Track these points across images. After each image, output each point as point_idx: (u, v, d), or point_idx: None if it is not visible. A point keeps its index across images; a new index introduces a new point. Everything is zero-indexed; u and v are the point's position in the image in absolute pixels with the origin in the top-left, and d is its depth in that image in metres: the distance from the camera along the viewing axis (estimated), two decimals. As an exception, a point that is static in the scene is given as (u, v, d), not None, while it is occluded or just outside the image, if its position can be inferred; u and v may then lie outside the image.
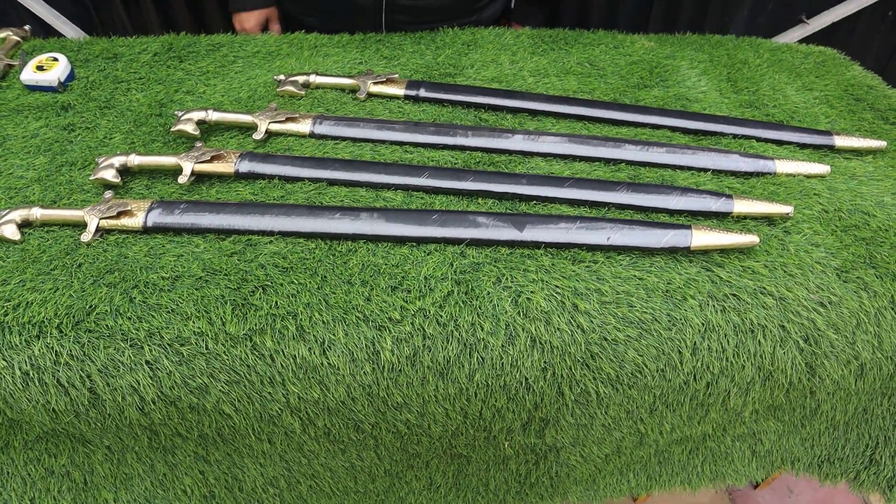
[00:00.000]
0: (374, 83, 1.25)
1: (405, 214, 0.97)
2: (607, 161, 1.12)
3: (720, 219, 1.03)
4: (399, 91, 1.24)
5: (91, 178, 1.06)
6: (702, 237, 0.95)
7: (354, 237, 0.96)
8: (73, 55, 1.38)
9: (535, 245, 0.96)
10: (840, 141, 1.17)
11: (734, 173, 1.11)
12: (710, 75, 1.36)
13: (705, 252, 0.97)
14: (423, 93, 1.23)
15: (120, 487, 1.10)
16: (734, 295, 0.95)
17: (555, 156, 1.12)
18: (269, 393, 0.91)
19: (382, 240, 0.96)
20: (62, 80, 1.29)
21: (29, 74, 1.29)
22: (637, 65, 1.37)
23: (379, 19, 1.48)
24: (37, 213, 1.00)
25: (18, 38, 1.43)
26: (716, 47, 1.45)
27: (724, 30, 2.07)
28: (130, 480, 1.09)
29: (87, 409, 0.92)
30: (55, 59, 1.31)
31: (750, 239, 0.95)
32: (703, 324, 0.93)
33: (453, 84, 1.27)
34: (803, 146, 1.18)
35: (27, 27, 1.47)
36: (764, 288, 0.95)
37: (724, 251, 0.98)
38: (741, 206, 1.02)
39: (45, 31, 2.00)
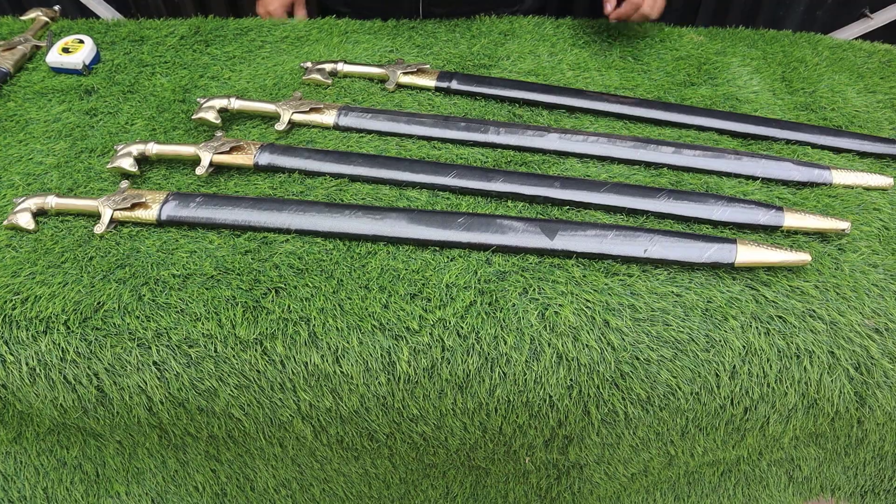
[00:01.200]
0: (405, 73, 1.19)
1: (429, 216, 0.92)
2: (647, 164, 1.04)
3: (769, 233, 0.95)
4: (430, 83, 1.19)
5: (108, 166, 1.03)
6: (747, 253, 0.88)
7: (374, 238, 0.91)
8: (99, 37, 1.35)
9: (567, 255, 0.89)
10: (905, 150, 1.08)
11: (786, 182, 1.03)
12: (763, 74, 1.27)
13: (750, 269, 0.90)
14: (455, 85, 1.17)
15: (132, 481, 1.08)
16: (780, 317, 0.87)
17: (591, 157, 1.05)
18: (280, 399, 0.88)
19: (403, 242, 0.91)
20: (87, 63, 1.26)
21: (54, 57, 1.26)
22: (684, 60, 1.29)
23: (415, 8, 1.41)
24: (52, 201, 0.97)
25: (47, 19, 1.40)
26: (770, 43, 1.36)
27: (779, 24, 1.95)
28: (142, 475, 1.07)
29: (94, 407, 0.89)
30: (81, 42, 1.28)
31: (800, 257, 0.88)
32: (744, 346, 0.86)
33: (487, 76, 1.21)
34: (864, 155, 1.09)
35: (57, 7, 1.45)
36: (813, 311, 0.88)
37: (772, 269, 0.90)
38: (792, 220, 0.94)
39: (78, 10, 1.99)
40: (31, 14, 1.41)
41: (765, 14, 1.92)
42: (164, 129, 1.15)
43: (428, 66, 1.21)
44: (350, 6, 1.47)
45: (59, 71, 1.28)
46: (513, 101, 1.16)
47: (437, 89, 1.19)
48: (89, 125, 1.16)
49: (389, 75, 1.20)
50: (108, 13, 1.93)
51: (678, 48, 1.32)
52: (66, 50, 1.27)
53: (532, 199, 0.97)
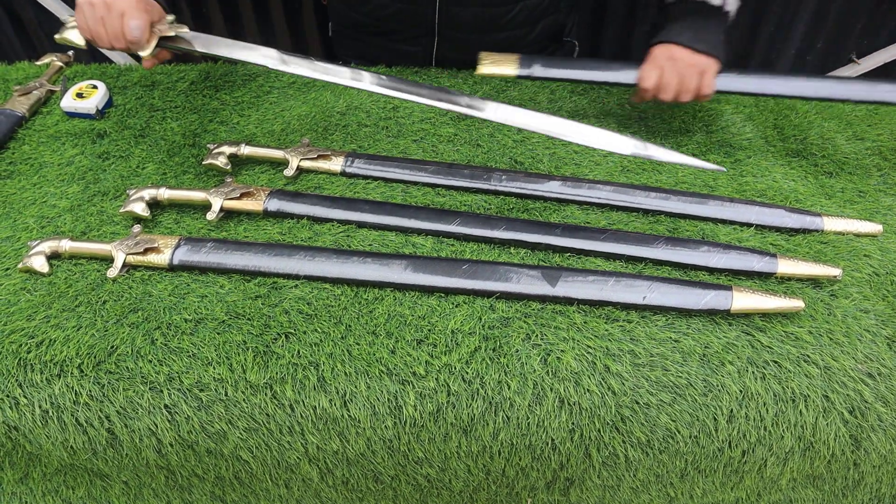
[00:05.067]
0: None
1: (434, 264, 0.95)
2: (645, 212, 1.08)
3: (763, 279, 0.98)
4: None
5: (121, 210, 1.06)
6: (743, 300, 0.91)
7: (381, 285, 0.94)
8: (111, 82, 1.39)
9: (568, 301, 0.92)
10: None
11: (779, 229, 1.06)
12: (755, 121, 1.31)
13: (746, 315, 0.93)
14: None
15: (136, 522, 1.09)
16: (775, 362, 0.90)
17: (591, 204, 1.08)
18: (288, 442, 0.89)
19: (410, 289, 0.94)
20: (100, 107, 1.30)
21: (69, 101, 1.30)
22: (680, 108, 1.33)
23: (428, 59, 1.45)
24: (66, 245, 1.00)
25: (62, 64, 1.45)
26: (762, 90, 1.40)
27: (771, 66, 2.02)
28: (146, 515, 1.08)
29: (104, 448, 0.90)
30: (94, 87, 1.32)
31: (794, 304, 0.91)
32: (741, 391, 0.89)
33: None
34: (853, 202, 1.13)
35: (70, 52, 1.49)
36: (808, 356, 0.90)
37: (767, 315, 0.93)
38: (786, 267, 0.97)
39: (92, 54, 2.04)
40: (46, 59, 1.45)
41: (757, 55, 1.98)
42: (174, 174, 1.18)
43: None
44: (361, 58, 1.51)
45: (72, 115, 1.31)
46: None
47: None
48: (101, 168, 1.19)
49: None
50: (122, 58, 1.97)
51: (673, 96, 1.37)
52: (79, 95, 1.31)
53: (534, 246, 1.00)
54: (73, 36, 1.05)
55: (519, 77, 1.19)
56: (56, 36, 1.06)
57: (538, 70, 1.18)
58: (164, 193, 1.08)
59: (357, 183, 1.13)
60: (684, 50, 1.11)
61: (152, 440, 0.89)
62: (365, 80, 1.04)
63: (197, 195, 1.07)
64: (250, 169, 1.18)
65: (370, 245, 1.01)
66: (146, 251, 0.98)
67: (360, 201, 1.06)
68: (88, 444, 0.90)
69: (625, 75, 1.17)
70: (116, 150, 1.24)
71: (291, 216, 1.05)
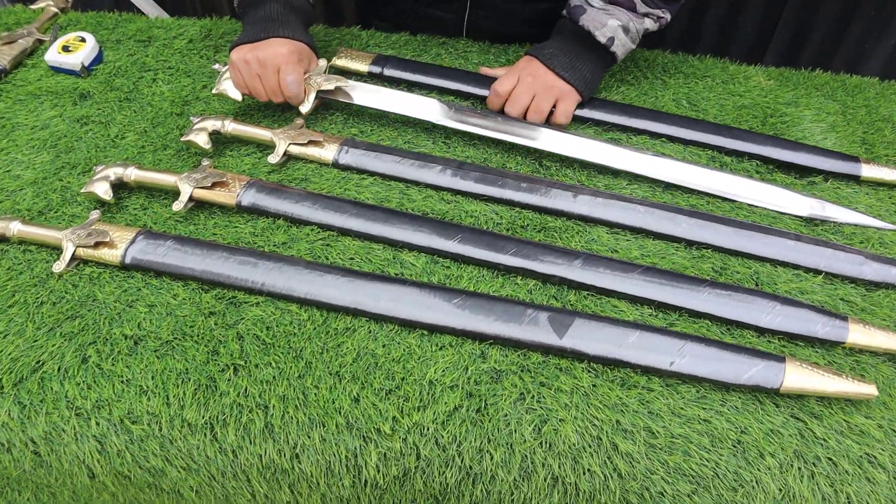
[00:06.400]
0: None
1: (420, 292, 0.79)
2: (689, 243, 0.89)
3: (828, 348, 0.79)
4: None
5: (83, 190, 0.93)
6: (798, 377, 0.73)
7: (355, 312, 0.79)
8: (106, 34, 1.26)
9: (577, 356, 0.75)
10: None
11: (854, 281, 0.86)
12: (839, 133, 1.09)
13: (799, 396, 0.74)
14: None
15: (89, 527, 1.00)
16: (830, 460, 0.72)
17: (624, 227, 0.90)
18: (233, 486, 0.77)
19: (387, 320, 0.79)
20: (86, 64, 1.17)
21: (53, 55, 1.17)
22: (748, 110, 1.12)
23: (459, 29, 1.27)
24: (15, 228, 0.88)
25: (57, 10, 1.32)
26: (852, 94, 1.17)
27: (862, 64, 1.73)
28: (100, 522, 0.99)
29: (33, 468, 0.80)
30: (83, 40, 1.19)
31: (864, 389, 0.72)
32: (780, 490, 0.71)
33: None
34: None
35: (69, -4, 1.36)
36: (873, 456, 0.72)
37: (825, 398, 0.74)
38: (858, 335, 0.77)
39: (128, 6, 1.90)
40: (40, 3, 1.32)
41: (846, 49, 1.70)
42: (153, 148, 1.04)
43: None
44: (389, 22, 1.33)
45: (57, 70, 1.19)
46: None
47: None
48: (77, 135, 1.07)
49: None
50: (155, 12, 1.82)
51: (742, 93, 1.15)
52: (66, 48, 1.18)
53: (547, 278, 0.83)
54: (230, 90, 1.03)
55: (370, 74, 1.13)
56: (213, 91, 1.04)
57: (390, 70, 1.12)
58: (132, 174, 0.94)
59: (349, 178, 0.97)
60: (549, 73, 1.02)
61: (83, 468, 0.77)
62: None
63: (167, 179, 0.94)
64: (235, 149, 1.03)
65: (351, 259, 0.86)
66: (98, 245, 0.85)
67: (347, 202, 0.90)
68: (13, 463, 0.79)
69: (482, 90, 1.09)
70: (97, 115, 1.10)
71: (267, 214, 0.90)
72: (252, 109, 1.08)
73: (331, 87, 1.02)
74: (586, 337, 0.75)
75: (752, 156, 1.01)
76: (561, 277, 0.82)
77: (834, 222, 0.93)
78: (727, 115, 1.10)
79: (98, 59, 1.20)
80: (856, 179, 1.00)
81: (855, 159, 1.00)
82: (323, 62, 1.07)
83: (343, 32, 1.27)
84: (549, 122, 1.04)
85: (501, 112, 1.05)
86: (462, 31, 1.28)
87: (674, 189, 0.97)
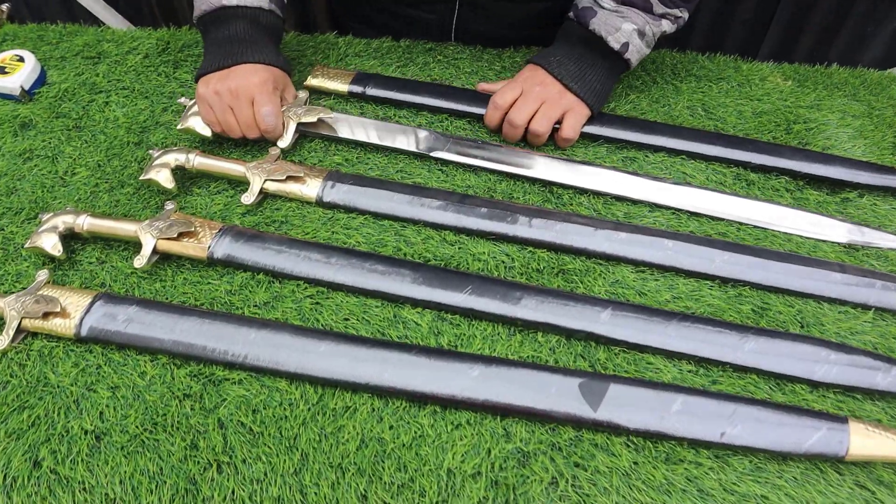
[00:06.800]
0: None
1: (430, 361, 0.69)
2: (725, 281, 0.79)
3: (889, 399, 0.70)
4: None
5: (27, 245, 0.80)
6: (864, 443, 0.64)
7: (356, 387, 0.68)
8: (49, 50, 1.11)
9: (614, 430, 0.66)
10: None
11: (909, 316, 0.77)
12: (868, 139, 1.00)
13: (866, 463, 0.66)
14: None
15: None
16: (904, 535, 0.63)
17: (651, 265, 0.80)
18: None
19: (393, 395, 0.68)
20: (27, 87, 1.03)
21: (-14, 77, 1.02)
22: (769, 116, 1.02)
23: (447, 32, 1.15)
24: (-54, 297, 0.75)
25: (-10, 21, 1.16)
26: (876, 93, 1.08)
27: (861, 49, 1.65)
28: None
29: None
30: (21, 60, 1.04)
31: (940, 454, 0.63)
32: (850, 571, 0.63)
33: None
34: None
35: (5, 6, 1.20)
36: (953, 530, 0.63)
37: (894, 464, 0.66)
38: (924, 386, 0.69)
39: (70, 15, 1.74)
40: (-29, 15, 1.16)
41: (846, 34, 1.61)
42: (109, 185, 0.91)
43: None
44: (367, 24, 1.21)
45: (-7, 95, 1.04)
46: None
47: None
48: (19, 174, 0.93)
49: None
50: (117, 23, 1.65)
51: (761, 97, 1.05)
52: (2, 69, 1.03)
53: (571, 333, 0.73)
54: (198, 126, 0.91)
55: (350, 94, 1.00)
56: (179, 127, 0.92)
57: (372, 89, 1.00)
58: (85, 223, 0.82)
59: (337, 218, 0.85)
60: (556, 83, 0.92)
61: (43, 582, 0.66)
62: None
63: (125, 229, 0.81)
64: (204, 185, 0.91)
65: (345, 320, 0.74)
66: (47, 315, 0.73)
67: (336, 251, 0.79)
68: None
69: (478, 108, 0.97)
70: (42, 148, 0.97)
71: (244, 267, 0.79)
72: (221, 139, 0.95)
73: (312, 119, 0.90)
74: (624, 407, 0.66)
75: (780, 171, 0.92)
76: (588, 332, 0.72)
77: (876, 247, 0.85)
78: (747, 123, 1.00)
79: (41, 81, 1.06)
80: (893, 193, 0.91)
81: (891, 171, 0.91)
82: (304, 94, 0.96)
83: (318, 40, 1.15)
84: (553, 139, 0.93)
85: (500, 128, 0.94)
86: (450, 35, 1.16)
87: (700, 216, 0.87)
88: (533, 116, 0.90)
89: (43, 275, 0.78)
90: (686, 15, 0.92)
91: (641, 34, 0.89)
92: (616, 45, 0.89)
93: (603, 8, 0.89)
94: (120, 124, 1.00)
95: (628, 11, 0.89)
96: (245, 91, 0.85)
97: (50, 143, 0.98)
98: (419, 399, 0.68)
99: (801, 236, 0.85)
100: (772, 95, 1.05)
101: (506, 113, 0.92)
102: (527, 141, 0.94)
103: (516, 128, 0.91)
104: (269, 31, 0.90)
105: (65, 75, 1.07)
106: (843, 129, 1.01)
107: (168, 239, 0.79)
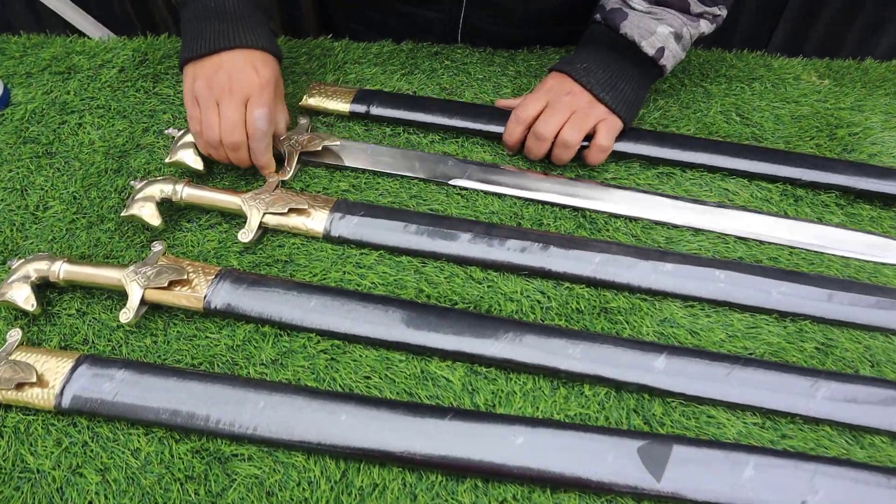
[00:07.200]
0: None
1: (467, 425, 0.60)
2: (783, 315, 0.71)
3: (978, 450, 0.63)
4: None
5: (-6, 300, 0.70)
6: (963, 507, 0.56)
7: (383, 458, 0.60)
8: (12, 65, 1.00)
9: (680, 502, 0.58)
10: None
11: None
12: (917, 143, 0.92)
13: (964, 528, 0.58)
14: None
15: None
16: None
17: (702, 300, 0.72)
18: None
19: (429, 468, 0.60)
20: (-13, 109, 0.92)
21: (-58, 99, 0.92)
22: (808, 120, 0.94)
23: (452, 32, 1.06)
24: None
25: (-56, 33, 1.05)
26: (918, 90, 1.00)
27: (874, 39, 1.58)
28: None
29: None
30: (-20, 77, 0.93)
31: None
32: None
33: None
34: None
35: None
36: None
37: None
38: None
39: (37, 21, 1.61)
40: (-78, 27, 1.05)
41: (860, 24, 1.54)
42: (87, 221, 0.81)
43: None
44: (364, 24, 1.11)
45: (-50, 119, 0.93)
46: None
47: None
48: (-16, 210, 0.83)
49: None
50: (91, 28, 1.53)
51: (798, 99, 0.97)
52: (-41, 89, 0.92)
53: (621, 386, 0.65)
54: (188, 158, 0.81)
55: (352, 114, 0.90)
56: (167, 160, 0.82)
57: (377, 108, 0.89)
58: (61, 270, 0.72)
59: (347, 254, 0.76)
60: (585, 93, 0.82)
61: None
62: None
63: (108, 276, 0.71)
64: (195, 218, 0.81)
65: (366, 379, 0.66)
66: (21, 385, 0.63)
67: (351, 297, 0.70)
68: None
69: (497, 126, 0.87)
70: (9, 178, 0.87)
71: (247, 318, 0.69)
72: (213, 168, 0.85)
73: (317, 148, 0.81)
74: (690, 475, 0.58)
75: (829, 186, 0.84)
76: (641, 384, 0.64)
77: (939, 267, 0.77)
78: (786, 129, 0.92)
79: (4, 102, 0.95)
80: (951, 205, 0.84)
81: (949, 180, 0.84)
82: (304, 120, 0.87)
83: (311, 45, 1.04)
84: (581, 156, 0.84)
85: (520, 146, 0.85)
86: (456, 35, 1.07)
87: (747, 240, 0.79)
88: (561, 128, 0.82)
89: (15, 335, 0.68)
90: (724, 13, 0.83)
91: (678, 37, 0.80)
92: (650, 51, 0.80)
93: (634, 9, 0.80)
94: (96, 149, 0.90)
95: (663, 12, 0.80)
96: (241, 88, 0.74)
97: (18, 173, 0.87)
98: (458, 472, 0.59)
99: (859, 259, 0.78)
100: (809, 97, 0.97)
101: (529, 127, 0.83)
102: (550, 159, 0.85)
103: (543, 141, 0.82)
104: (260, 4, 0.80)
105: (31, 94, 0.96)
106: (890, 133, 0.93)
107: (157, 288, 0.70)
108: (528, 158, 0.86)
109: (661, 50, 0.80)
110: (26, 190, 0.86)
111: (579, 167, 0.86)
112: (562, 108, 0.82)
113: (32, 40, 1.04)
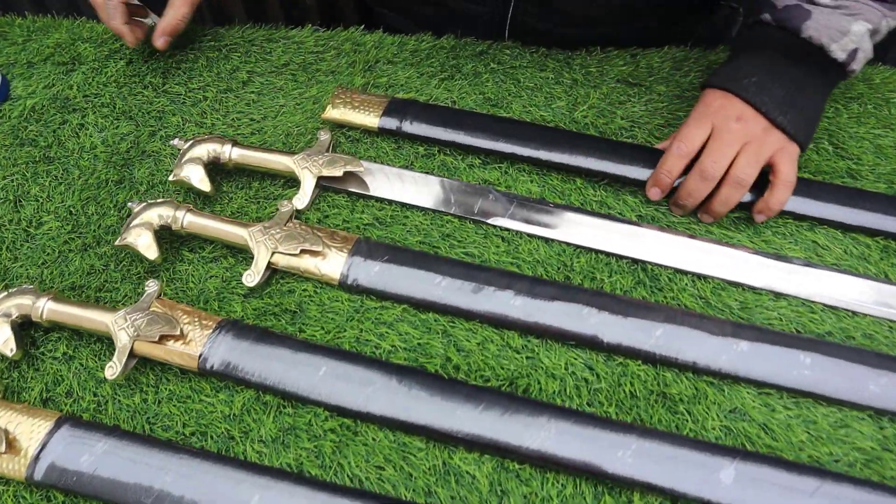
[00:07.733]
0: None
1: (493, 546, 0.51)
2: (880, 413, 0.60)
3: None
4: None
5: (-31, 344, 0.63)
6: None
7: (393, 578, 0.51)
8: (13, 52, 0.91)
9: None
10: None
11: None
12: None
13: None
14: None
15: None
16: None
17: (779, 388, 0.61)
18: None
19: None
20: (-17, 105, 0.83)
21: (-65, 93, 0.83)
22: (840, 129, 0.80)
23: (500, 26, 0.93)
24: None
25: (-56, 11, 0.96)
26: None
27: None
28: None
29: None
30: (-25, 69, 0.84)
31: None
32: None
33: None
34: None
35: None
36: None
37: None
38: None
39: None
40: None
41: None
42: (83, 242, 0.73)
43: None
44: (403, 14, 0.99)
45: (-56, 113, 0.85)
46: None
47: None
48: (-28, 225, 0.75)
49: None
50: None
51: (903, 125, 0.82)
52: (-47, 81, 0.84)
53: (679, 498, 0.54)
54: (195, 178, 0.73)
55: (382, 130, 0.77)
56: (171, 178, 0.73)
57: (410, 124, 0.77)
58: (45, 309, 0.64)
59: (367, 307, 0.66)
60: (758, 116, 0.67)
61: None
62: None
63: (94, 320, 0.63)
64: (196, 249, 0.72)
65: (379, 469, 0.56)
66: (-9, 453, 0.56)
67: (366, 364, 0.60)
68: None
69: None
70: (3, 188, 0.79)
71: (247, 383, 0.60)
72: (219, 191, 0.76)
73: (337, 173, 0.70)
74: None
75: (942, 243, 0.71)
76: (703, 500, 0.54)
77: None
78: (890, 164, 0.78)
79: (2, 95, 0.86)
80: None
81: None
82: (325, 135, 0.76)
83: (340, 38, 0.93)
84: (753, 206, 0.70)
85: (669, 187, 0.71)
86: (503, 32, 0.94)
87: (838, 309, 0.66)
88: (732, 162, 0.68)
89: (-10, 387, 0.61)
90: None
91: (874, 33, 0.65)
92: (842, 56, 0.65)
93: (818, 4, 0.65)
94: (98, 154, 0.81)
95: (858, 6, 0.64)
96: None
97: (13, 180, 0.79)
98: None
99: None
100: (916, 120, 0.82)
101: (690, 162, 0.69)
102: (710, 205, 0.70)
103: (709, 181, 0.68)
104: None
105: (32, 87, 0.88)
106: None
107: (148, 341, 0.61)
108: (677, 204, 0.71)
109: (854, 52, 0.65)
110: (20, 201, 0.78)
111: (667, 215, 0.72)
112: (732, 138, 0.67)
113: (37, 23, 0.95)
